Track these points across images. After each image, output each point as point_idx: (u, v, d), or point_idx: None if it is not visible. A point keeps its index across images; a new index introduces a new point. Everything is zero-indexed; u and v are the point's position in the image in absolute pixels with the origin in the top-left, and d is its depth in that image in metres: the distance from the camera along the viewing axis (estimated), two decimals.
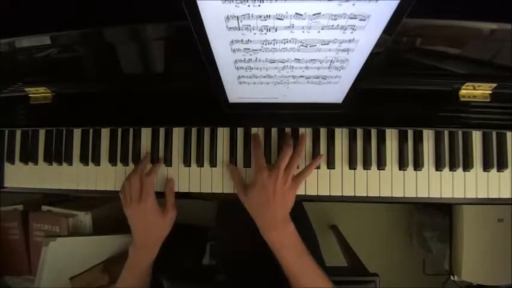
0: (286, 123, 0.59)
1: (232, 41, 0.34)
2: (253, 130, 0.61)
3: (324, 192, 0.59)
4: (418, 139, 0.58)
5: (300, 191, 0.59)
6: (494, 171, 0.58)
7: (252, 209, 0.53)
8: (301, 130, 0.60)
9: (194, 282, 0.74)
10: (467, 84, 0.54)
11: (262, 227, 0.51)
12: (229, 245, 0.77)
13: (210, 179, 0.61)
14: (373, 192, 0.59)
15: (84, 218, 0.88)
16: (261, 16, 0.30)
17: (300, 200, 0.64)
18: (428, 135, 0.59)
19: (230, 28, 0.32)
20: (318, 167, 0.59)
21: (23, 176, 0.67)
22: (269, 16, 0.30)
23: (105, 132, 0.64)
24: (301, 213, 0.81)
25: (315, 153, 0.59)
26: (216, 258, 0.86)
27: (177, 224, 0.60)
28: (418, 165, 0.58)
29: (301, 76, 0.42)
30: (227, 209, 0.82)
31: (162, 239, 0.58)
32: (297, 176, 0.54)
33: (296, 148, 0.55)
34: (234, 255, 0.74)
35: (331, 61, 0.38)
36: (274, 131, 0.60)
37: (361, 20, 0.30)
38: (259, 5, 0.28)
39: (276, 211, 0.50)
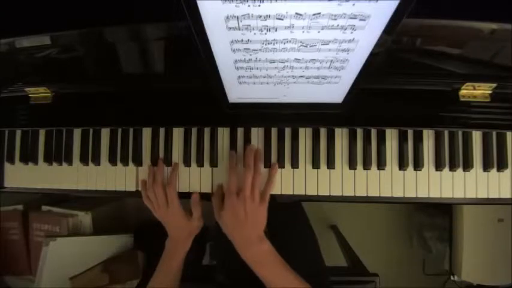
0: (286, 123, 0.59)
1: (232, 41, 0.34)
2: (254, 130, 0.61)
3: (324, 192, 0.59)
4: (418, 139, 0.58)
5: (300, 191, 0.59)
6: (494, 171, 0.58)
7: (227, 231, 0.55)
8: (301, 130, 0.60)
9: (194, 282, 0.74)
10: (467, 84, 0.54)
11: (238, 247, 0.53)
12: (229, 245, 0.77)
13: (210, 179, 0.61)
14: (373, 192, 0.59)
15: (84, 218, 0.88)
16: (261, 16, 0.30)
17: (300, 200, 0.64)
18: (428, 135, 0.59)
19: (230, 28, 0.32)
20: (318, 167, 0.59)
21: (23, 176, 0.67)
22: (269, 16, 0.30)
23: (105, 132, 0.64)
24: (300, 213, 0.81)
25: (315, 153, 0.59)
26: (216, 258, 0.86)
27: None
28: (418, 165, 0.58)
29: (301, 76, 0.42)
30: None
31: (193, 236, 0.61)
32: (263, 192, 0.55)
33: (255, 167, 0.56)
34: (233, 255, 0.74)
35: (331, 61, 0.38)
36: (274, 131, 0.60)
37: (361, 20, 0.30)
38: (259, 5, 0.28)
39: (249, 231, 0.53)
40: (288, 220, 0.69)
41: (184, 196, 0.61)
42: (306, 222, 0.79)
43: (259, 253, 0.52)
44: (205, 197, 0.61)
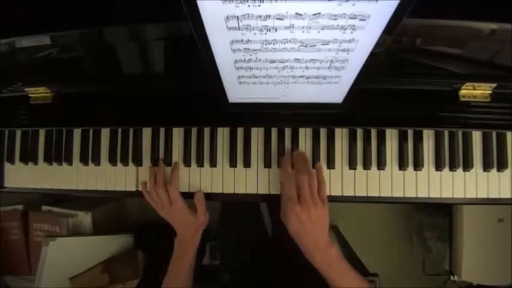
0: (286, 123, 0.59)
1: (232, 41, 0.34)
2: (254, 130, 0.61)
3: None
4: (418, 139, 0.58)
5: None
6: (494, 171, 0.58)
7: (294, 237, 0.54)
8: (301, 130, 0.60)
9: (195, 283, 0.74)
10: (467, 84, 0.54)
11: (307, 252, 0.53)
12: (231, 245, 0.77)
13: (210, 179, 0.61)
14: (373, 192, 0.59)
15: (84, 218, 0.89)
16: (261, 16, 0.30)
17: None
18: (428, 135, 0.59)
19: (230, 28, 0.32)
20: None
21: (23, 176, 0.67)
22: (269, 16, 0.30)
23: (105, 132, 0.64)
24: None
25: (315, 153, 0.59)
26: (220, 258, 0.86)
27: None
28: (418, 165, 0.58)
29: (301, 76, 0.42)
30: (229, 209, 0.82)
31: (201, 231, 0.62)
32: (321, 194, 0.54)
33: (309, 172, 0.54)
34: (235, 255, 0.74)
35: (331, 61, 0.38)
36: (274, 131, 0.60)
37: (361, 20, 0.30)
38: (259, 5, 0.28)
39: (316, 237, 0.52)
40: None
41: (185, 196, 0.61)
42: None
43: (327, 257, 0.52)
44: (204, 197, 0.61)
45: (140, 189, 0.62)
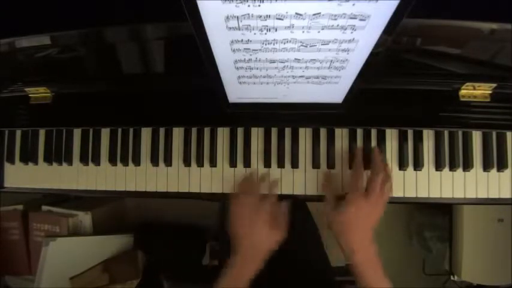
0: (286, 123, 0.59)
1: (232, 41, 0.34)
2: (254, 130, 0.61)
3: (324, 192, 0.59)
4: (418, 139, 0.58)
5: (300, 191, 0.59)
6: (494, 171, 0.58)
7: (339, 227, 0.52)
8: (301, 130, 0.60)
9: (194, 282, 0.74)
10: (467, 84, 0.54)
11: (348, 246, 0.50)
12: (230, 245, 0.77)
13: (210, 179, 0.61)
14: None
15: (84, 218, 0.88)
16: (261, 16, 0.30)
17: (299, 200, 0.64)
18: (428, 135, 0.59)
19: (230, 28, 0.32)
20: (318, 167, 0.59)
21: (23, 176, 0.67)
22: (269, 16, 0.30)
23: (105, 132, 0.64)
24: (303, 210, 0.81)
25: (315, 153, 0.59)
26: (216, 258, 0.86)
27: (177, 224, 0.60)
28: (418, 165, 0.58)
29: (301, 76, 0.42)
30: (229, 209, 0.82)
31: (271, 251, 0.54)
32: (388, 189, 0.53)
33: (386, 168, 0.54)
34: None
35: (331, 61, 0.38)
36: (274, 131, 0.60)
37: (361, 20, 0.30)
38: (259, 5, 0.28)
39: (363, 234, 0.51)
40: (297, 219, 0.69)
41: (185, 196, 0.61)
42: (309, 218, 0.79)
43: (369, 254, 0.50)
44: (204, 197, 0.61)
45: (237, 192, 0.58)
